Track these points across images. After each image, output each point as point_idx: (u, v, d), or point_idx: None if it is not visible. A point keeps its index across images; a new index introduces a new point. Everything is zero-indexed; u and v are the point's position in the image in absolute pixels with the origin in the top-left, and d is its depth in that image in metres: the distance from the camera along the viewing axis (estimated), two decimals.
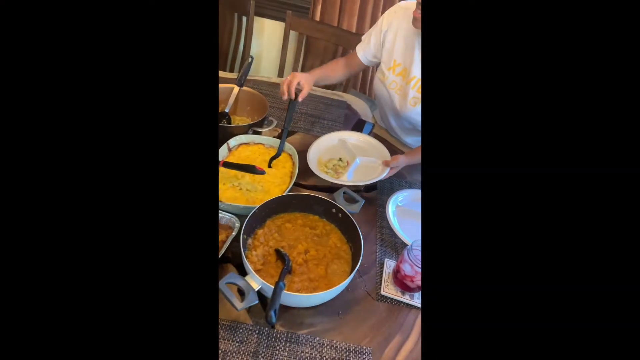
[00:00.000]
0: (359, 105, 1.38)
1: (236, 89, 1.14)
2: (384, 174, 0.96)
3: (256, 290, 0.64)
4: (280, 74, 1.72)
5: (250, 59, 1.18)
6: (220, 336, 0.65)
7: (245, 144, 1.02)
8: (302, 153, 0.99)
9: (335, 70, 1.17)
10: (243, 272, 0.68)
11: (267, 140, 1.03)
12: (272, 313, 0.58)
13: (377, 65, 1.15)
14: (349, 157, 1.03)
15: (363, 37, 1.16)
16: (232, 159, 0.97)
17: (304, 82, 1.00)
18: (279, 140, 1.01)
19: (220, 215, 0.81)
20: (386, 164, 0.98)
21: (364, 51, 1.14)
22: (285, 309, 0.70)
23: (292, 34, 1.67)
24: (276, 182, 0.94)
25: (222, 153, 0.96)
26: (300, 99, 0.99)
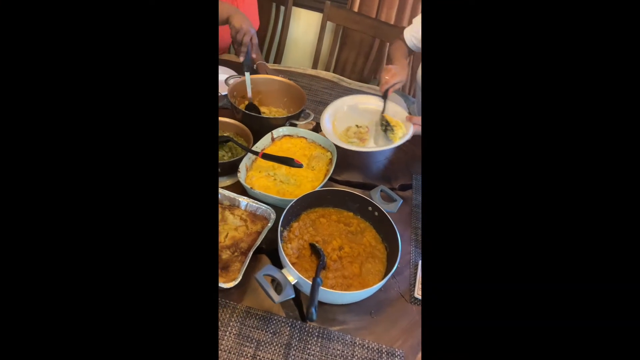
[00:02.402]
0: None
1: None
2: (409, 132, 0.94)
3: (292, 284, 0.64)
4: (315, 65, 1.70)
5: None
6: (253, 325, 0.66)
7: (288, 135, 1.03)
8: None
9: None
10: (277, 264, 0.68)
11: (309, 134, 1.03)
12: (313, 310, 0.57)
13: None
14: (365, 121, 1.03)
15: (413, 20, 1.16)
16: (273, 149, 0.98)
17: (405, 79, 1.06)
18: (320, 136, 1.01)
19: (256, 206, 0.82)
20: (410, 119, 0.97)
21: (411, 33, 1.13)
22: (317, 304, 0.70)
23: (329, 25, 1.64)
24: (309, 178, 0.93)
25: (265, 142, 0.98)
26: (390, 93, 1.04)
